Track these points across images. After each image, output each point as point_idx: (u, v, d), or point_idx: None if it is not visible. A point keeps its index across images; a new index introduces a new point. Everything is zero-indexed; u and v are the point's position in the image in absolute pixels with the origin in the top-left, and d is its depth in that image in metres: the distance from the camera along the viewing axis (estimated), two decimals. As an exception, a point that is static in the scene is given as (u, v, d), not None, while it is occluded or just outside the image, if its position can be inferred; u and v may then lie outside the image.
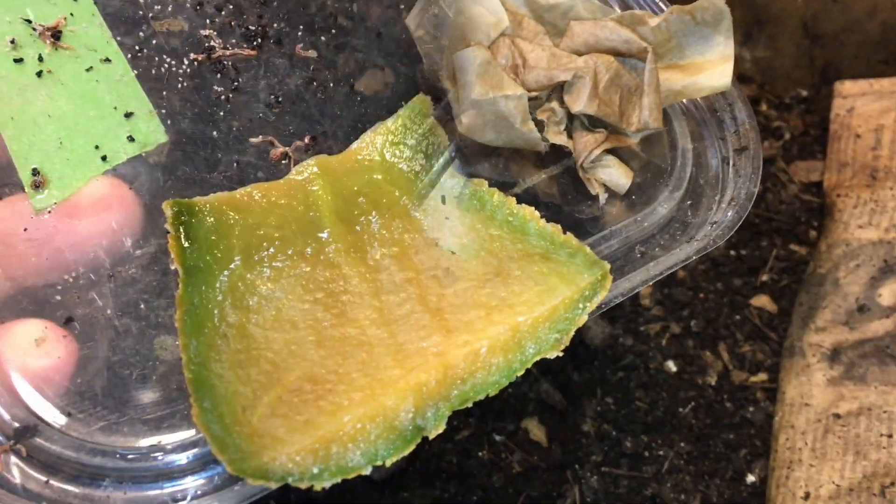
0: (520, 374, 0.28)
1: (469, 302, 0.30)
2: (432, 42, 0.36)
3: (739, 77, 0.67)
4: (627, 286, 0.33)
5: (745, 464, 0.52)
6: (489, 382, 0.28)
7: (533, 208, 0.33)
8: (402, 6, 0.41)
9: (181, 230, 0.31)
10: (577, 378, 0.53)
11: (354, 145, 0.35)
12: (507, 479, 0.50)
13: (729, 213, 0.36)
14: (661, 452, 0.52)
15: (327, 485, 0.25)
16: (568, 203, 0.38)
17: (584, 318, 0.29)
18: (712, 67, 0.39)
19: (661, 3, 0.42)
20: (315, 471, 0.25)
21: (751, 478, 0.51)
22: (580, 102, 0.37)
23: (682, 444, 0.52)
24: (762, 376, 0.55)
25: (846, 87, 0.63)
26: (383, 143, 0.35)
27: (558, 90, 0.38)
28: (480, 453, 0.50)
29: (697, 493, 0.50)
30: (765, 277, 0.59)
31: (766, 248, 0.60)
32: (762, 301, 0.57)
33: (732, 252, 0.60)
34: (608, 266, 0.30)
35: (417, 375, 0.27)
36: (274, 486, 0.25)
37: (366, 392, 0.27)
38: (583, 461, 0.51)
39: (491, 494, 0.49)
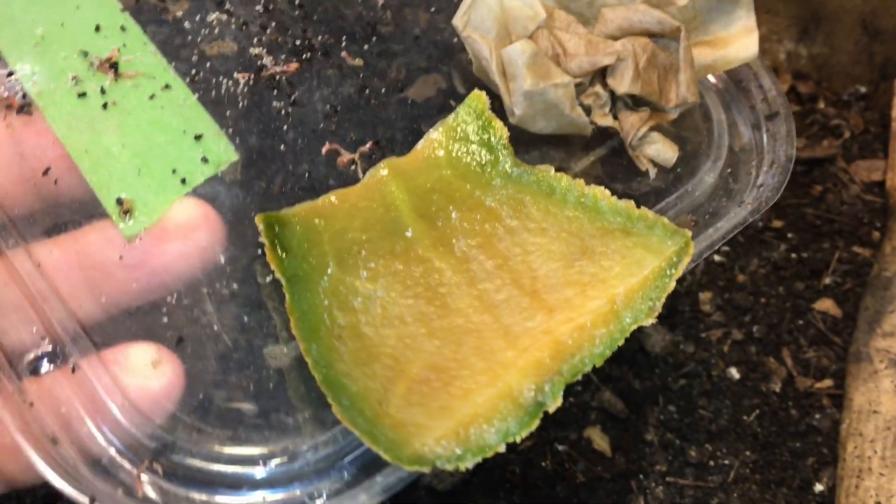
0: (620, 343, 0.30)
1: (562, 281, 0.32)
2: (480, 40, 0.38)
3: (796, 74, 0.67)
4: (696, 251, 0.35)
5: (812, 473, 0.51)
6: (595, 354, 0.30)
7: (602, 187, 0.34)
8: (433, 8, 0.43)
9: (275, 242, 0.33)
10: (639, 386, 0.53)
11: (419, 145, 0.37)
12: (571, 490, 0.49)
13: (772, 176, 0.39)
14: (726, 462, 0.51)
15: (470, 465, 0.27)
16: (618, 181, 0.40)
17: (673, 284, 0.31)
18: (738, 40, 0.41)
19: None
20: (459, 452, 0.27)
21: (819, 487, 0.50)
22: (624, 84, 0.39)
23: (748, 453, 0.51)
24: (827, 382, 0.54)
25: (907, 82, 0.62)
26: (447, 141, 0.37)
27: (600, 75, 0.40)
28: (543, 463, 0.50)
29: (765, 503, 0.49)
30: (828, 280, 0.58)
31: (828, 250, 0.59)
32: (826, 305, 0.56)
33: (794, 255, 0.59)
34: (689, 233, 0.32)
35: (532, 354, 0.29)
36: (427, 470, 0.26)
37: (489, 375, 0.29)
38: (647, 471, 0.50)
39: (555, 505, 0.49)
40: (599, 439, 0.51)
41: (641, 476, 0.50)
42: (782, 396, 0.54)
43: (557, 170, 0.39)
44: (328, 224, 0.34)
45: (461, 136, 0.37)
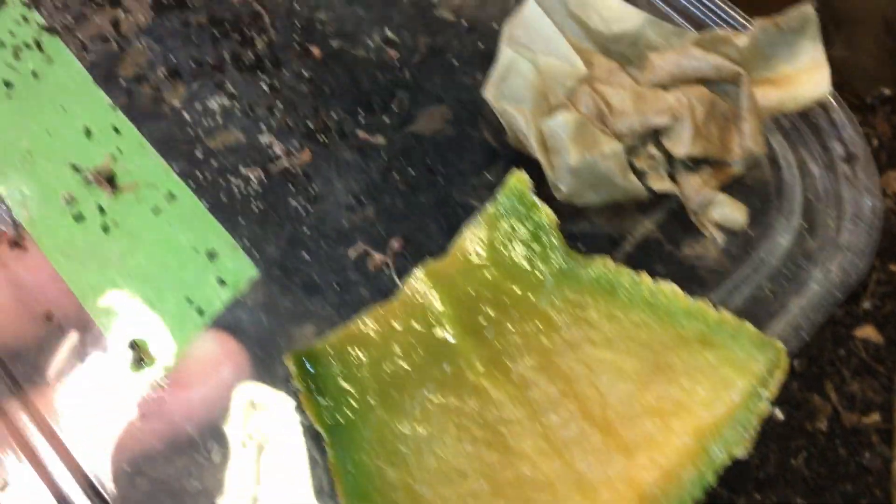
0: (712, 482, 0.27)
1: (638, 409, 0.28)
2: (516, 113, 0.33)
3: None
4: (785, 348, 0.31)
5: (865, 517, 0.49)
6: (684, 500, 0.26)
7: (673, 285, 0.30)
8: (454, 60, 0.38)
9: (310, 384, 0.29)
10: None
11: (458, 242, 0.33)
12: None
13: (858, 234, 0.34)
14: (777, 511, 0.49)
15: None
16: (680, 248, 0.35)
17: (766, 406, 0.27)
18: (806, 76, 0.36)
19: (724, 6, 0.38)
20: None
21: (872, 532, 0.48)
22: (683, 146, 0.34)
23: (799, 500, 0.49)
24: (875, 417, 0.51)
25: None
26: (487, 235, 0.32)
27: (653, 133, 0.35)
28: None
29: (820, 553, 0.47)
30: (867, 304, 0.55)
31: (865, 270, 0.57)
32: (867, 332, 0.53)
33: (830, 279, 0.56)
34: (781, 346, 0.28)
35: (614, 512, 0.26)
36: None
37: (567, 544, 0.25)
38: (697, 525, 0.48)
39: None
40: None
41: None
42: (829, 435, 0.51)
43: (612, 241, 0.35)
44: (366, 352, 0.30)
45: (502, 228, 0.32)
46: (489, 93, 0.34)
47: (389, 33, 0.39)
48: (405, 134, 0.36)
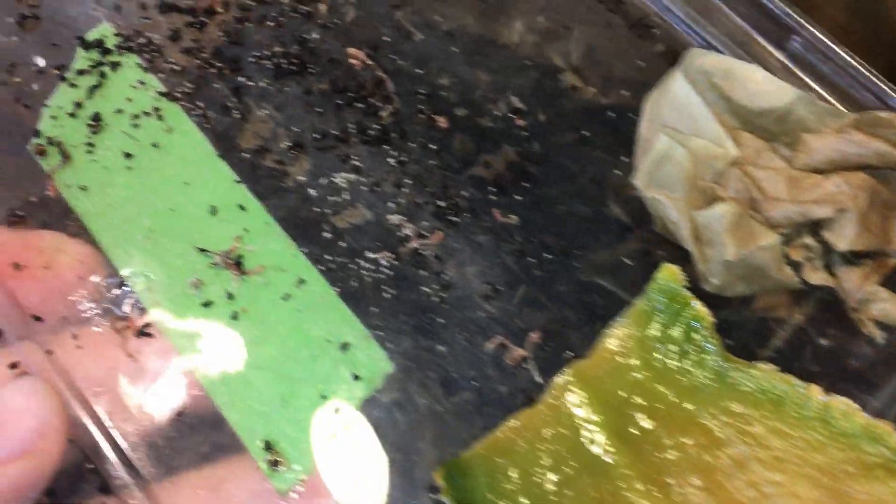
0: None
1: (820, 546, 0.26)
2: (668, 202, 0.31)
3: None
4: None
5: None
6: None
7: (848, 401, 0.28)
8: (584, 131, 0.36)
9: (458, 499, 0.27)
10: None
11: (604, 340, 0.31)
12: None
13: None
14: None
15: None
16: (834, 345, 0.33)
17: (965, 549, 0.25)
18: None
19: (880, 84, 0.36)
20: None
21: None
22: (846, 240, 0.32)
23: None
24: None
25: None
26: (636, 333, 0.30)
27: (810, 222, 0.33)
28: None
29: None
30: None
31: None
32: None
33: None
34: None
35: None
36: None
37: None
38: None
39: None
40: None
41: None
42: None
43: (759, 338, 0.33)
44: (514, 463, 0.28)
45: (654, 325, 0.30)
46: (640, 180, 0.32)
47: (515, 101, 0.37)
48: (538, 213, 0.34)
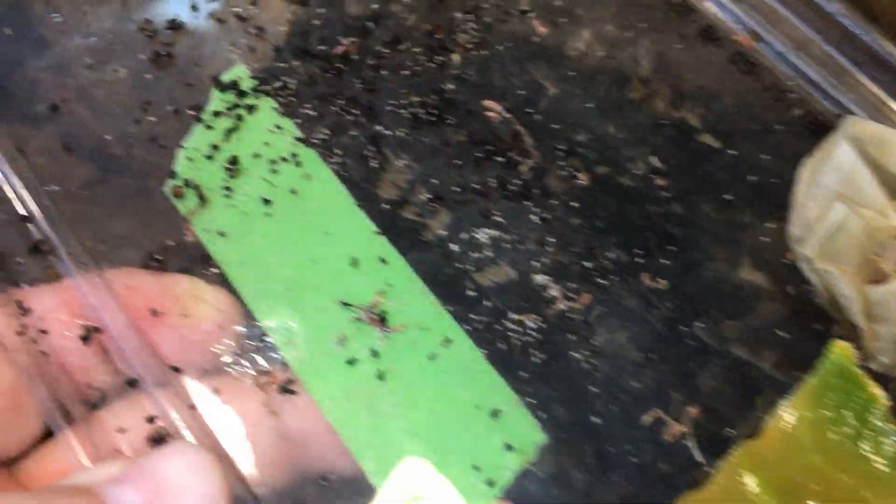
0: None
1: None
2: (840, 276, 0.30)
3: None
4: None
5: None
6: None
7: None
8: (726, 195, 0.35)
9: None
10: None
11: (774, 420, 0.29)
12: None
13: None
14: None
15: None
16: None
17: None
18: None
19: None
20: None
21: None
22: None
23: None
24: None
25: None
26: (808, 414, 0.29)
27: (980, 300, 0.31)
28: None
29: None
30: None
31: None
32: None
33: None
34: None
35: None
36: None
37: None
38: None
39: None
40: None
41: None
42: None
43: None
44: (688, 549, 0.26)
45: (826, 405, 0.29)
46: (812, 250, 0.31)
47: (654, 160, 0.36)
48: (687, 279, 0.33)
